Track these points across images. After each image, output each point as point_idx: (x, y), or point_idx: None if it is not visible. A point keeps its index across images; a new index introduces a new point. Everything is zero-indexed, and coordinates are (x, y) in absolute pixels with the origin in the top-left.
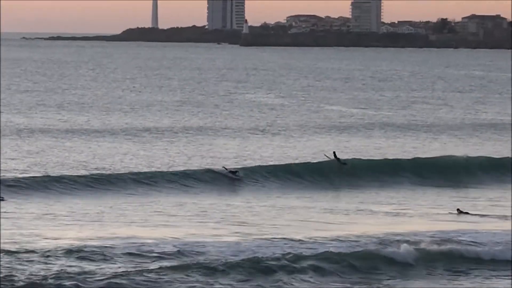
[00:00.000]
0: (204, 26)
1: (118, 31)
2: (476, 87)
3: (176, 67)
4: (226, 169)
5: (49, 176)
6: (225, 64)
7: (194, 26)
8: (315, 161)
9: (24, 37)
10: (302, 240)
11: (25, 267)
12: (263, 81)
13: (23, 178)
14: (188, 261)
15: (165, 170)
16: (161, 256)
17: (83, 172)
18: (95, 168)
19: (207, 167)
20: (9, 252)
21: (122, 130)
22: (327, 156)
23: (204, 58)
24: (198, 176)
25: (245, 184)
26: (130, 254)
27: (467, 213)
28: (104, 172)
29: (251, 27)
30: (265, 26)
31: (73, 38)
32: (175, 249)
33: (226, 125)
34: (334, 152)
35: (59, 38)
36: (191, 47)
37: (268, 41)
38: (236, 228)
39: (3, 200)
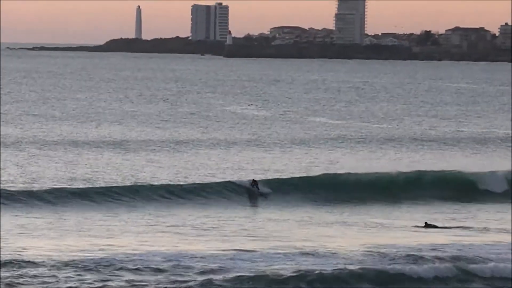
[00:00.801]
0: (188, 37)
1: (101, 41)
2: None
3: (161, 78)
4: (253, 183)
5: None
6: (211, 76)
7: (177, 37)
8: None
9: (8, 47)
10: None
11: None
12: (253, 92)
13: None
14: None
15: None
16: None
17: (89, 185)
18: (91, 181)
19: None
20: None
21: (111, 142)
22: None
23: (189, 70)
24: (214, 189)
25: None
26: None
27: (435, 226)
28: (101, 184)
29: (234, 38)
30: (248, 38)
31: (57, 49)
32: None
33: (223, 137)
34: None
35: (42, 48)
36: (175, 58)
37: (252, 53)
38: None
39: None
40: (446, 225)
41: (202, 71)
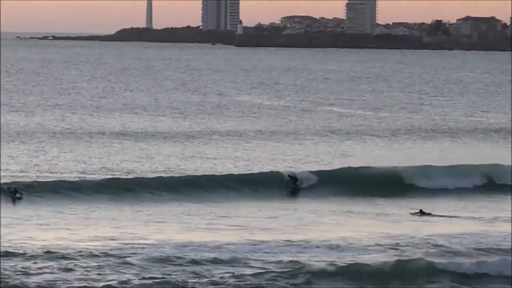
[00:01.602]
0: (199, 26)
1: (112, 31)
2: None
3: (175, 67)
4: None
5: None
6: (223, 66)
7: (188, 26)
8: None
9: (18, 37)
10: None
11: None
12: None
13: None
14: None
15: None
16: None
17: (108, 176)
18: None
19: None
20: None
21: (136, 132)
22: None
23: (205, 59)
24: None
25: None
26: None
27: (429, 214)
28: (125, 176)
29: (245, 28)
30: (259, 27)
31: (68, 38)
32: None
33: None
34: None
35: (53, 38)
36: (186, 47)
37: (262, 42)
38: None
39: (20, 198)
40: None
41: (215, 60)
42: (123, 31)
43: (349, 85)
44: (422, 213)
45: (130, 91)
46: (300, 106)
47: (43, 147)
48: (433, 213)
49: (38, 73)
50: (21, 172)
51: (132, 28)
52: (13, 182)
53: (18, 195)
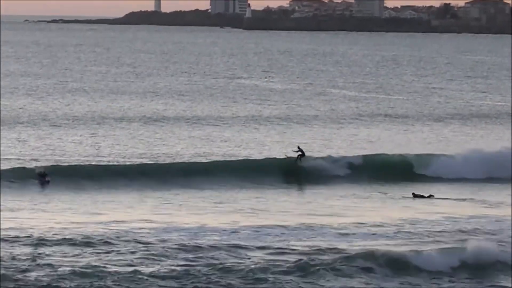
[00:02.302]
0: (207, 10)
1: (120, 14)
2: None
3: (186, 51)
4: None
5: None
6: (235, 49)
7: (197, 9)
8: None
9: (27, 20)
10: None
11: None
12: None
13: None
14: None
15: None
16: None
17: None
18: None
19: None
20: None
21: (144, 117)
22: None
23: (211, 43)
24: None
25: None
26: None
27: (422, 196)
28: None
29: (253, 11)
30: (267, 10)
31: (76, 21)
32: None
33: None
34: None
35: (61, 21)
36: (195, 31)
37: (271, 25)
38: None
39: (49, 182)
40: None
41: (225, 43)
42: (132, 14)
43: (360, 69)
44: (414, 195)
45: (141, 75)
46: (318, 90)
47: (60, 132)
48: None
49: (47, 57)
50: (43, 156)
51: (140, 11)
52: (41, 167)
53: (47, 179)
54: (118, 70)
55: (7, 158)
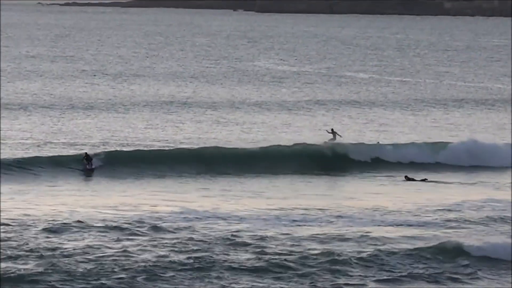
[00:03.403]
0: None
1: None
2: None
3: (200, 34)
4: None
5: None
6: (250, 32)
7: None
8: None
9: (39, 3)
10: None
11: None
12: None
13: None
14: None
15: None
16: None
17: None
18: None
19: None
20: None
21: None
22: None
23: (226, 25)
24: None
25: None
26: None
27: (413, 179)
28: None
29: None
30: None
31: (89, 4)
32: None
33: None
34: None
35: (74, 4)
36: (207, 13)
37: (283, 8)
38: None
39: (94, 169)
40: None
41: (239, 26)
42: None
43: (376, 52)
44: (407, 179)
45: (156, 57)
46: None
47: (85, 117)
48: (416, 178)
49: (62, 40)
50: (82, 144)
51: None
52: (86, 153)
53: (94, 166)
54: (135, 53)
55: (51, 142)
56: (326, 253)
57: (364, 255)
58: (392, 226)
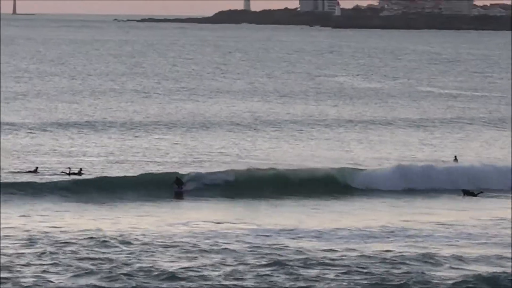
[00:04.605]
0: (296, 8)
1: (210, 13)
2: None
3: (281, 49)
4: None
5: None
6: (329, 48)
7: (286, 8)
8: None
9: (116, 19)
10: None
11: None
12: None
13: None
14: None
15: None
16: None
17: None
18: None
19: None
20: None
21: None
22: None
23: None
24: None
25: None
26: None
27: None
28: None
29: (343, 10)
30: (357, 9)
31: (165, 20)
32: None
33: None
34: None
35: (150, 20)
36: (285, 29)
37: (360, 24)
38: None
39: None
40: None
41: (318, 42)
42: (221, 13)
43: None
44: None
45: (238, 74)
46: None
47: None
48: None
49: (141, 56)
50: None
51: (229, 10)
52: (176, 173)
53: (185, 188)
54: (215, 69)
55: (145, 161)
56: None
57: None
58: None
